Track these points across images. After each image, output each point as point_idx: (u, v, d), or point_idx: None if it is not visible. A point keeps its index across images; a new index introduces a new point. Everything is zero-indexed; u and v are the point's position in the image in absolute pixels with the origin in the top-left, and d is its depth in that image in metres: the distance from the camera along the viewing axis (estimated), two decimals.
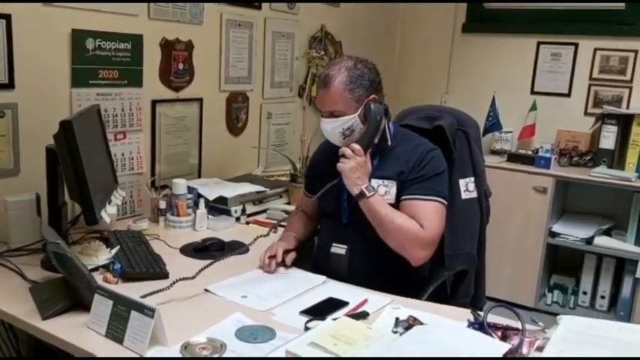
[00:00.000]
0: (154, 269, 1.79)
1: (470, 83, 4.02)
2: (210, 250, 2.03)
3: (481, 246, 2.24)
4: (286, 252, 1.94)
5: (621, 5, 3.52)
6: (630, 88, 3.54)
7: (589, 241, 3.36)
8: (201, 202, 2.31)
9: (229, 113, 2.89)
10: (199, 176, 2.76)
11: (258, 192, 2.56)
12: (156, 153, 2.55)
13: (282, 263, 1.91)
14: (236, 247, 1.97)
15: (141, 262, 1.82)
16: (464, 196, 2.14)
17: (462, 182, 2.14)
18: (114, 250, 1.87)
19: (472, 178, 2.17)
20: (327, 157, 2.03)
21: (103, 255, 1.84)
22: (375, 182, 1.89)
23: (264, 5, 2.98)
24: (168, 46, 2.52)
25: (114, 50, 2.30)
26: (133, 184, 2.46)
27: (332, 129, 1.89)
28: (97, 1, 2.20)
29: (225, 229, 2.31)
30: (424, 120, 2.20)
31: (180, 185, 2.29)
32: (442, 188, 1.89)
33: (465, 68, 4.05)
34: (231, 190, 2.47)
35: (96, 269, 1.77)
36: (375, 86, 1.90)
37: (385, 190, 1.89)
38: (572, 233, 3.41)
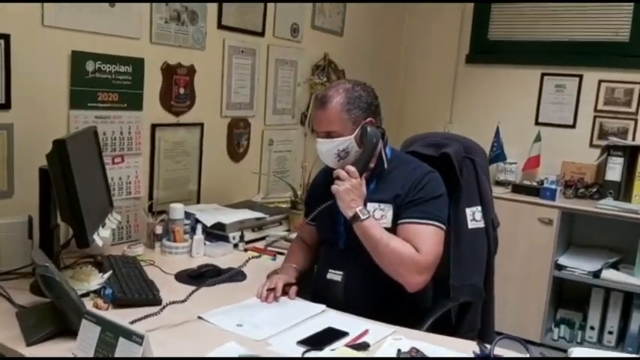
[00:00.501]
0: (147, 295, 1.72)
1: (473, 113, 4.00)
2: (205, 276, 1.96)
3: (488, 278, 2.17)
4: (287, 285, 1.88)
5: (626, 37, 3.51)
6: (636, 121, 3.51)
7: (596, 274, 3.28)
8: (199, 227, 2.25)
9: (230, 139, 2.86)
10: (198, 202, 2.72)
11: (257, 218, 2.51)
12: (154, 178, 2.51)
13: (284, 294, 1.85)
14: (232, 275, 1.91)
15: (133, 287, 1.75)
16: (470, 225, 2.08)
17: (468, 211, 2.08)
18: (106, 275, 1.81)
19: (479, 208, 2.11)
20: (325, 181, 1.99)
21: (95, 280, 1.78)
22: (371, 206, 1.84)
23: (268, 32, 2.97)
24: (169, 71, 2.50)
25: (114, 73, 2.27)
26: (129, 209, 2.41)
27: (327, 150, 1.85)
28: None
29: (223, 256, 2.25)
30: (430, 147, 2.16)
31: (178, 210, 2.24)
32: (440, 212, 1.84)
33: (469, 98, 4.03)
34: (229, 216, 2.42)
35: (87, 294, 1.71)
36: (373, 109, 1.88)
37: (381, 214, 1.84)
38: (579, 266, 3.33)
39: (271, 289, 1.83)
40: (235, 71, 2.81)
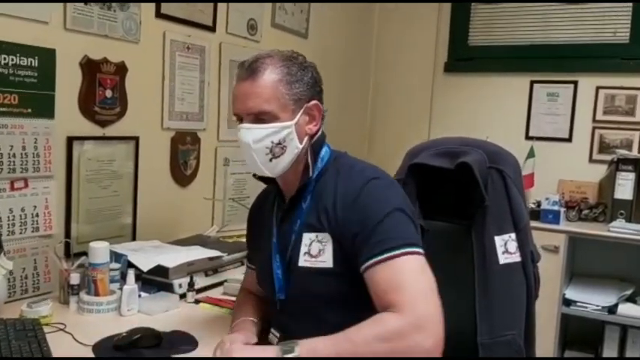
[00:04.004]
0: None
1: (455, 129, 3.45)
2: (139, 347, 1.36)
3: (529, 330, 1.64)
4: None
5: (625, 38, 3.13)
6: None
7: (611, 309, 2.81)
8: (130, 274, 1.64)
9: (175, 158, 2.26)
10: (134, 238, 2.11)
11: (211, 258, 1.92)
12: (72, 208, 1.89)
13: None
14: (179, 342, 1.32)
15: None
16: (502, 260, 1.54)
17: (498, 241, 1.54)
18: None
19: (513, 235, 1.57)
20: (259, 206, 1.54)
21: None
22: (307, 238, 1.33)
23: (220, 28, 2.42)
24: (91, 67, 1.91)
25: (12, 67, 1.68)
26: (37, 251, 1.78)
27: (255, 141, 1.29)
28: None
29: (165, 313, 1.65)
30: (443, 157, 1.62)
31: (100, 251, 1.63)
32: (403, 232, 1.26)
33: (449, 112, 3.57)
34: (174, 257, 1.82)
35: None
36: (318, 89, 1.36)
37: (319, 248, 1.31)
38: (590, 300, 2.86)
39: None
40: (180, 72, 2.24)
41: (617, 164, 2.96)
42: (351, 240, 1.27)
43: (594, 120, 3.22)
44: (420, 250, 1.25)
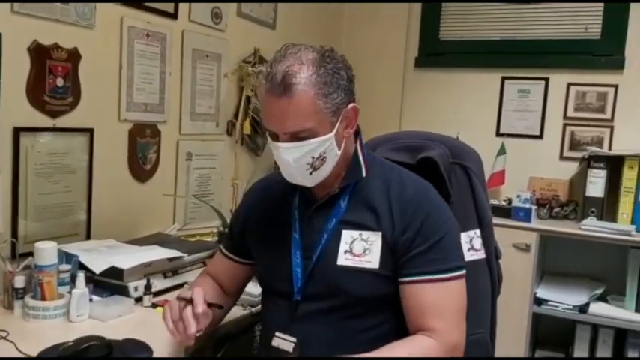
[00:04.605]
0: None
1: (426, 125, 3.39)
2: (87, 357, 1.24)
3: (493, 327, 1.61)
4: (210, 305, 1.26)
5: (596, 34, 3.09)
6: (611, 128, 3.07)
7: (583, 308, 2.77)
8: (80, 276, 1.52)
9: (133, 151, 2.13)
10: (89, 237, 1.97)
11: (171, 259, 1.81)
12: (19, 205, 1.75)
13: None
14: (131, 351, 1.21)
15: None
16: (468, 257, 1.49)
17: (464, 237, 1.49)
18: None
19: (478, 232, 1.55)
20: (264, 199, 1.42)
21: None
22: (347, 235, 1.26)
23: (182, 15, 2.30)
24: (41, 53, 1.77)
25: None
26: None
27: (296, 159, 1.22)
28: None
29: (119, 319, 1.54)
30: (403, 152, 1.57)
31: (47, 251, 1.50)
32: (458, 254, 1.30)
33: (420, 107, 3.49)
34: (130, 258, 1.70)
35: None
36: (353, 88, 1.27)
37: (364, 247, 1.25)
38: (562, 299, 2.82)
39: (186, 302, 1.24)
40: (139, 61, 2.11)
41: (589, 162, 2.92)
42: (405, 246, 1.24)
43: (565, 117, 3.18)
44: (464, 270, 1.28)
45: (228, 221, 2.00)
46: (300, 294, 1.28)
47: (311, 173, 1.24)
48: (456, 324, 1.23)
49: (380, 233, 1.25)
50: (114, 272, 1.64)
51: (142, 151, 2.17)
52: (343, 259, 1.26)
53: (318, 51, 1.25)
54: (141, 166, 2.17)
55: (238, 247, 1.46)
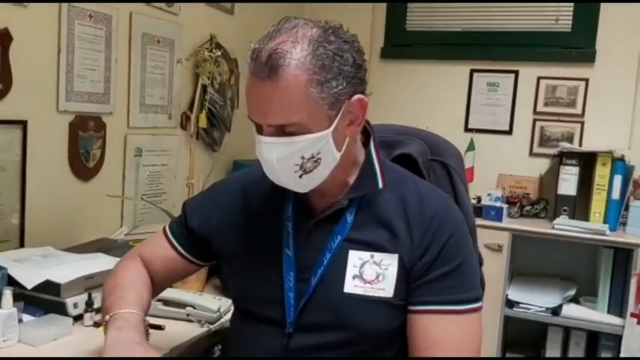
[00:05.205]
0: None
1: (392, 118, 3.16)
2: None
3: None
4: None
5: (567, 26, 2.99)
6: (582, 123, 2.99)
7: (555, 311, 2.68)
8: (7, 294, 1.29)
9: (74, 147, 1.90)
10: (22, 245, 1.74)
11: None
12: None
13: None
14: None
15: None
16: None
17: None
18: None
19: None
20: (250, 205, 1.18)
21: None
22: (356, 257, 1.06)
23: None
24: None
25: None
26: None
27: (282, 158, 1.01)
28: None
29: (54, 342, 1.32)
30: (379, 146, 1.39)
31: None
32: (477, 283, 1.11)
33: (385, 101, 3.32)
34: (68, 269, 1.48)
35: None
36: (361, 76, 1.06)
37: (377, 272, 1.05)
38: (533, 301, 2.72)
39: None
40: (80, 45, 1.88)
41: (561, 158, 2.83)
42: (421, 271, 1.05)
43: (535, 112, 3.07)
44: (482, 304, 1.09)
45: None
46: (294, 325, 1.08)
47: (301, 176, 1.02)
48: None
49: (396, 256, 1.06)
50: (49, 287, 1.41)
51: (85, 146, 1.93)
52: (352, 286, 1.05)
53: (321, 26, 1.03)
54: (83, 163, 1.93)
55: (194, 246, 1.24)
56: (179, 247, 1.24)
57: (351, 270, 1.06)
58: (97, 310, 1.46)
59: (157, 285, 1.25)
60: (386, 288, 1.05)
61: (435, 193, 1.16)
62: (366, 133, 1.18)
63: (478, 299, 1.07)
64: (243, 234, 1.16)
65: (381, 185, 1.11)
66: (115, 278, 1.20)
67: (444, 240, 1.07)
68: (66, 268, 1.48)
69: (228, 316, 1.42)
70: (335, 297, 1.06)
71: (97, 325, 1.43)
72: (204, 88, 2.35)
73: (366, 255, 1.06)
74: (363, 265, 1.06)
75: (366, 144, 1.17)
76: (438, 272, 1.05)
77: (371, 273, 1.05)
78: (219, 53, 2.13)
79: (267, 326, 1.10)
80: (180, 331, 1.44)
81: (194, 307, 1.52)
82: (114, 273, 1.24)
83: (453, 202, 1.18)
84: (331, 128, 1.01)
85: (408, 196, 1.11)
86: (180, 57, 2.25)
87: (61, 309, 1.42)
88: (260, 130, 1.03)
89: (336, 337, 1.06)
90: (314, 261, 1.08)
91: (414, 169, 1.29)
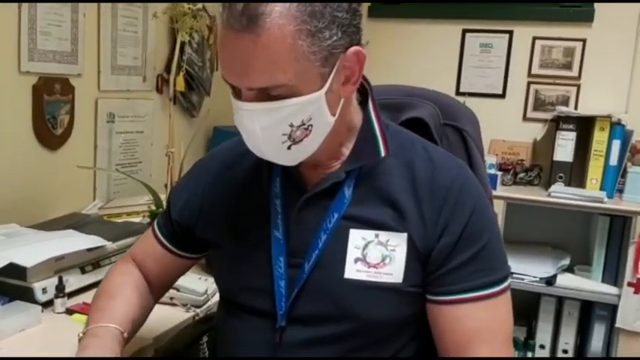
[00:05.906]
0: None
1: (381, 81, 3.07)
2: None
3: None
4: None
5: None
6: (578, 86, 2.87)
7: (550, 281, 2.60)
8: None
9: (39, 112, 1.71)
10: None
11: (91, 249, 1.43)
12: None
13: None
14: None
15: None
16: None
17: None
18: None
19: None
20: (233, 182, 1.03)
21: None
22: (358, 236, 0.92)
23: None
24: None
25: None
26: None
27: (267, 128, 0.86)
28: None
29: (21, 333, 1.17)
30: (385, 110, 1.23)
31: None
32: (505, 259, 0.98)
33: (373, 62, 3.06)
34: (36, 250, 1.32)
35: None
36: (357, 24, 0.90)
37: (382, 254, 0.91)
38: (527, 271, 2.64)
39: None
40: None
41: (557, 123, 2.72)
42: (443, 255, 0.92)
43: (530, 74, 2.94)
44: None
45: (163, 198, 1.65)
46: (286, 318, 0.94)
47: (289, 147, 0.87)
48: (506, 350, 0.94)
49: (405, 235, 0.92)
50: (14, 270, 1.25)
51: (51, 111, 1.75)
52: (354, 271, 0.92)
53: None
54: (50, 131, 1.75)
55: (182, 239, 1.11)
56: (167, 243, 1.12)
57: (352, 252, 0.93)
58: (69, 295, 1.32)
59: (155, 285, 1.13)
60: (393, 272, 0.92)
61: (449, 160, 1.02)
62: (363, 92, 1.03)
63: (507, 277, 0.96)
64: (228, 217, 1.03)
65: (383, 152, 0.96)
66: (103, 284, 1.10)
67: (466, 218, 0.93)
68: (33, 249, 1.32)
69: (216, 298, 1.28)
70: (333, 284, 0.93)
71: (69, 312, 1.28)
72: (182, 46, 2.16)
73: (369, 234, 0.92)
74: (366, 245, 0.92)
75: (363, 105, 1.02)
76: (464, 256, 0.92)
77: (376, 255, 0.92)
78: (200, 5, 1.93)
79: (256, 319, 0.97)
80: (164, 317, 1.30)
81: (178, 290, 1.38)
82: (104, 278, 1.13)
83: (469, 171, 1.04)
84: (324, 89, 0.85)
85: (417, 163, 0.97)
86: (155, 11, 2.05)
87: (28, 295, 1.26)
88: (238, 95, 0.87)
89: (334, 330, 0.93)
90: (307, 243, 0.94)
91: (424, 136, 1.15)
